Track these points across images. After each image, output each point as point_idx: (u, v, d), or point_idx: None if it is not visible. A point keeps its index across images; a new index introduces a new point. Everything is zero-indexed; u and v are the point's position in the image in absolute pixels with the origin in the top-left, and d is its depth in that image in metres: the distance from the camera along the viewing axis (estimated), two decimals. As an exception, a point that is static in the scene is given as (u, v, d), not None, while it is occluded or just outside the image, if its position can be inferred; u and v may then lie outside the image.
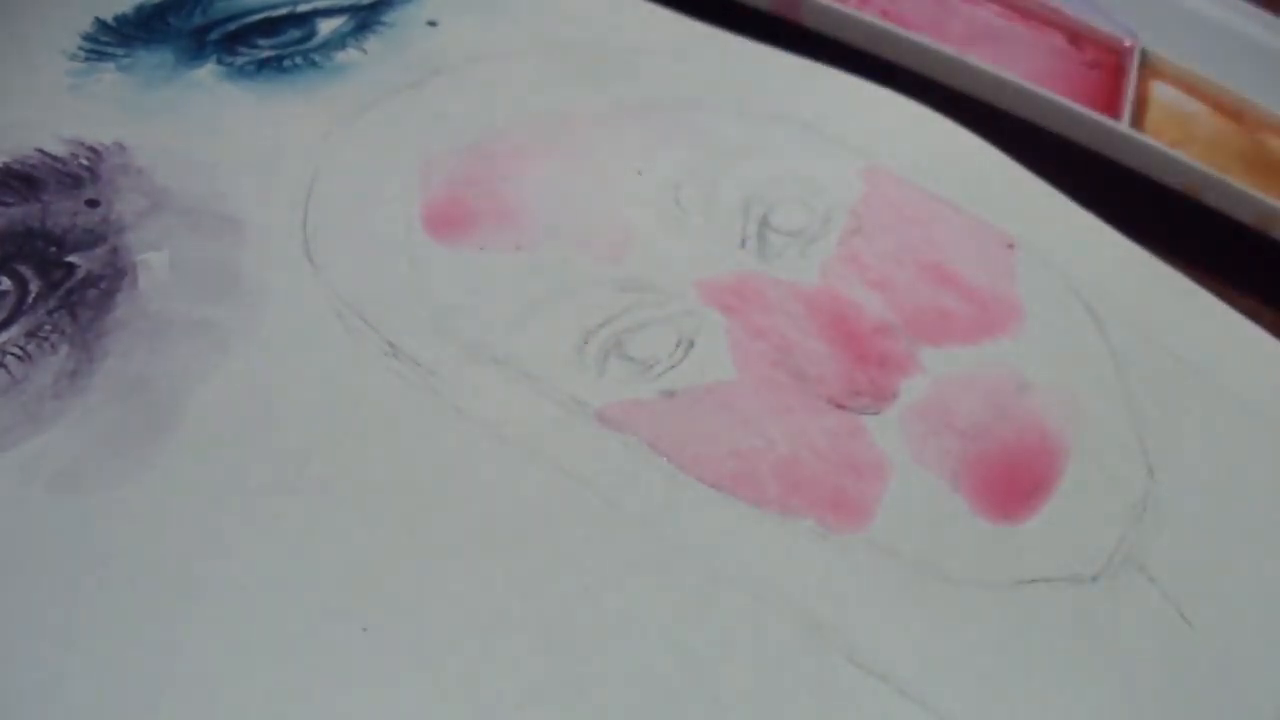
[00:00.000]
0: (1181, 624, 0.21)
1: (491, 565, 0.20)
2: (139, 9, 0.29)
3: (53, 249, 0.23)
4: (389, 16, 0.30)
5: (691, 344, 0.24)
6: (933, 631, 0.20)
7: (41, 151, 0.25)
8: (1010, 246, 0.27)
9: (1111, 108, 0.32)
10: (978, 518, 0.22)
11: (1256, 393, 0.25)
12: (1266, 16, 0.38)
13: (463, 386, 0.22)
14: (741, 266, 0.25)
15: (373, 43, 0.30)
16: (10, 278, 0.22)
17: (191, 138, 0.26)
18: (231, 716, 0.17)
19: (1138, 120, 0.32)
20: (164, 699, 0.17)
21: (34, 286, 0.22)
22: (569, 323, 0.24)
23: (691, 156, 0.27)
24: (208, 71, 0.28)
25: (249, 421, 0.21)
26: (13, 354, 0.21)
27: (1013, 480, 0.22)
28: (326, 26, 0.30)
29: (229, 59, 0.28)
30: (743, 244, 0.26)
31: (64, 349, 0.21)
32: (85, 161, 0.25)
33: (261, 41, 0.29)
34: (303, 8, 0.30)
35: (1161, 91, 0.34)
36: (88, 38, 0.28)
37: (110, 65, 0.28)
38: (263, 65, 0.28)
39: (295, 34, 0.29)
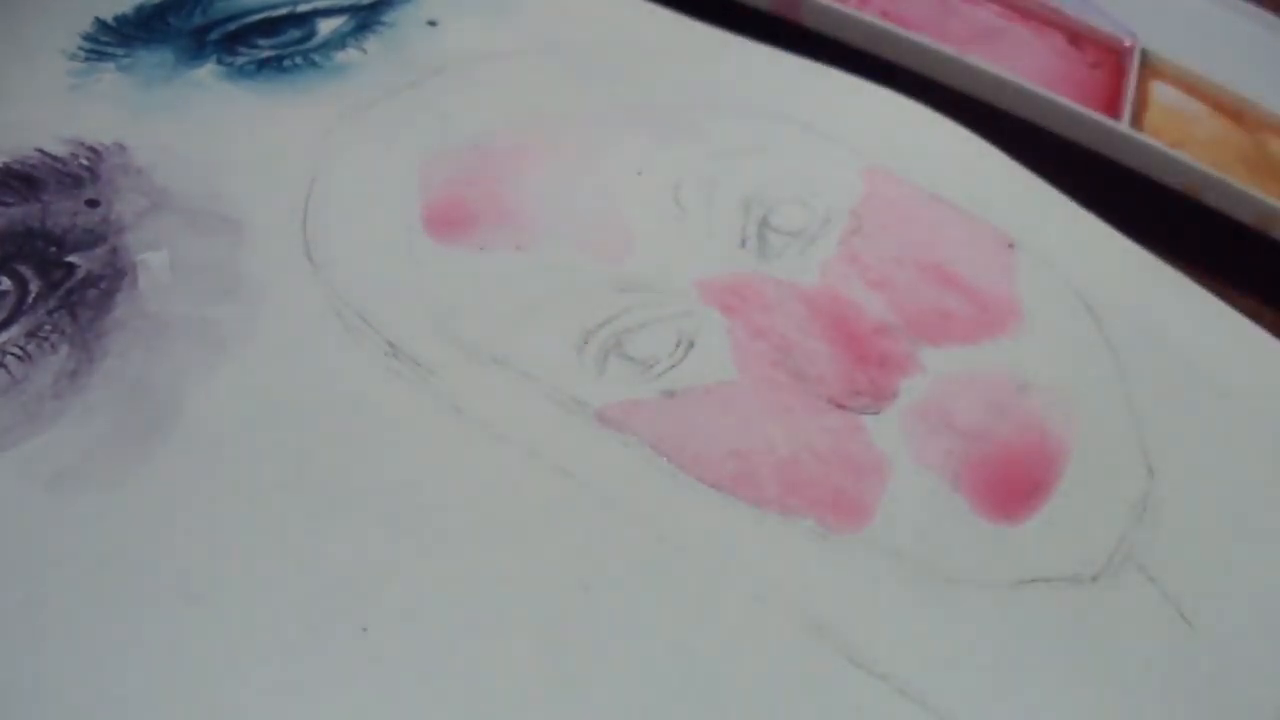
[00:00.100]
0: (1181, 624, 0.21)
1: (491, 565, 0.20)
2: (139, 9, 0.29)
3: (53, 249, 0.23)
4: (389, 16, 0.30)
5: (691, 344, 0.24)
6: (933, 631, 0.20)
7: (41, 151, 0.25)
8: (1010, 246, 0.27)
9: (1111, 108, 0.32)
10: (978, 518, 0.22)
11: (1257, 393, 0.25)
12: (1267, 16, 0.38)
13: (463, 386, 0.22)
14: (742, 266, 0.25)
15: (373, 43, 0.30)
16: (10, 278, 0.22)
17: (191, 138, 0.26)
18: (231, 716, 0.17)
19: (1138, 120, 0.32)
20: (164, 699, 0.17)
21: (34, 286, 0.22)
22: (569, 323, 0.24)
23: (691, 156, 0.27)
24: (208, 71, 0.28)
25: (249, 421, 0.21)
26: (13, 354, 0.21)
27: (1012, 480, 0.22)
28: (326, 26, 0.30)
29: (229, 59, 0.28)
30: (743, 244, 0.26)
31: (64, 349, 0.21)
32: (85, 161, 0.25)
33: (261, 41, 0.29)
34: (303, 8, 0.30)
35: (1161, 91, 0.34)
36: (88, 38, 0.28)
37: (110, 65, 0.28)
38: (263, 65, 0.28)
39: (295, 34, 0.29)
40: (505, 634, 0.19)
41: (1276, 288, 0.28)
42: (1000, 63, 0.32)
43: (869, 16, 0.33)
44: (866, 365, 0.24)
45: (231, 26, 0.29)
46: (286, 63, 0.29)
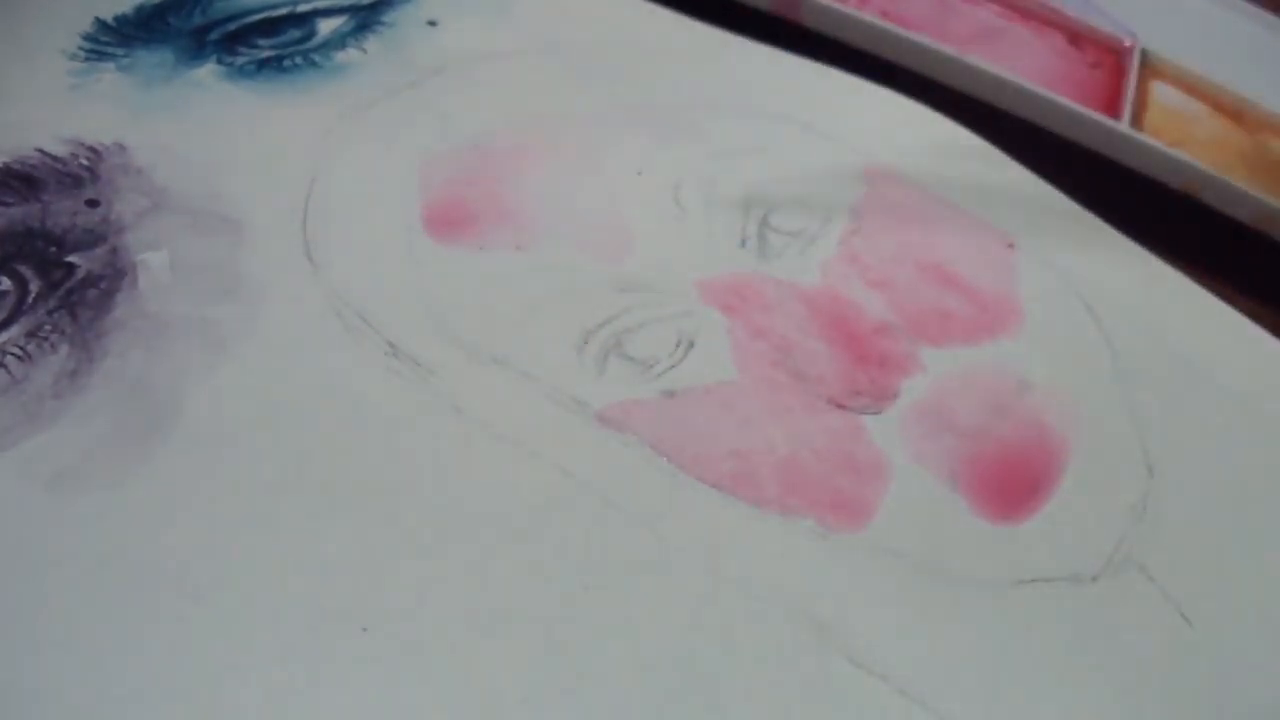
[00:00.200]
0: (1181, 623, 0.21)
1: (491, 565, 0.20)
2: (139, 9, 0.29)
3: (53, 249, 0.23)
4: (389, 16, 0.30)
5: (691, 344, 0.24)
6: (933, 631, 0.20)
7: (41, 151, 0.25)
8: (1010, 246, 0.27)
9: (1111, 108, 0.32)
10: (978, 517, 0.22)
11: (1257, 393, 0.25)
12: (1267, 16, 0.38)
13: (463, 386, 0.22)
14: (742, 266, 0.25)
15: (373, 43, 0.30)
16: (10, 278, 0.22)
17: (191, 138, 0.26)
18: (232, 716, 0.17)
19: (1138, 120, 0.32)
20: (164, 699, 0.17)
21: (34, 286, 0.22)
22: (569, 323, 0.24)
23: (691, 156, 0.27)
24: (208, 71, 0.28)
25: (249, 421, 0.21)
26: (13, 354, 0.21)
27: (1013, 480, 0.22)
28: (326, 26, 0.30)
29: (229, 59, 0.28)
30: (743, 244, 0.26)
31: (64, 349, 0.21)
32: (85, 161, 0.25)
33: (261, 41, 0.29)
34: (303, 8, 0.30)
35: (1161, 91, 0.34)
36: (88, 38, 0.28)
37: (110, 65, 0.28)
38: (263, 65, 0.28)
39: (295, 34, 0.29)
40: (505, 634, 0.19)
41: (1276, 288, 0.28)
42: (1000, 63, 0.32)
43: (869, 16, 0.33)
44: (867, 365, 0.24)
45: (231, 26, 0.29)
46: (286, 63, 0.29)
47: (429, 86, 0.29)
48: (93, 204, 0.24)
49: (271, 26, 0.29)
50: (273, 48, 0.29)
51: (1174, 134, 0.33)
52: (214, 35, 0.29)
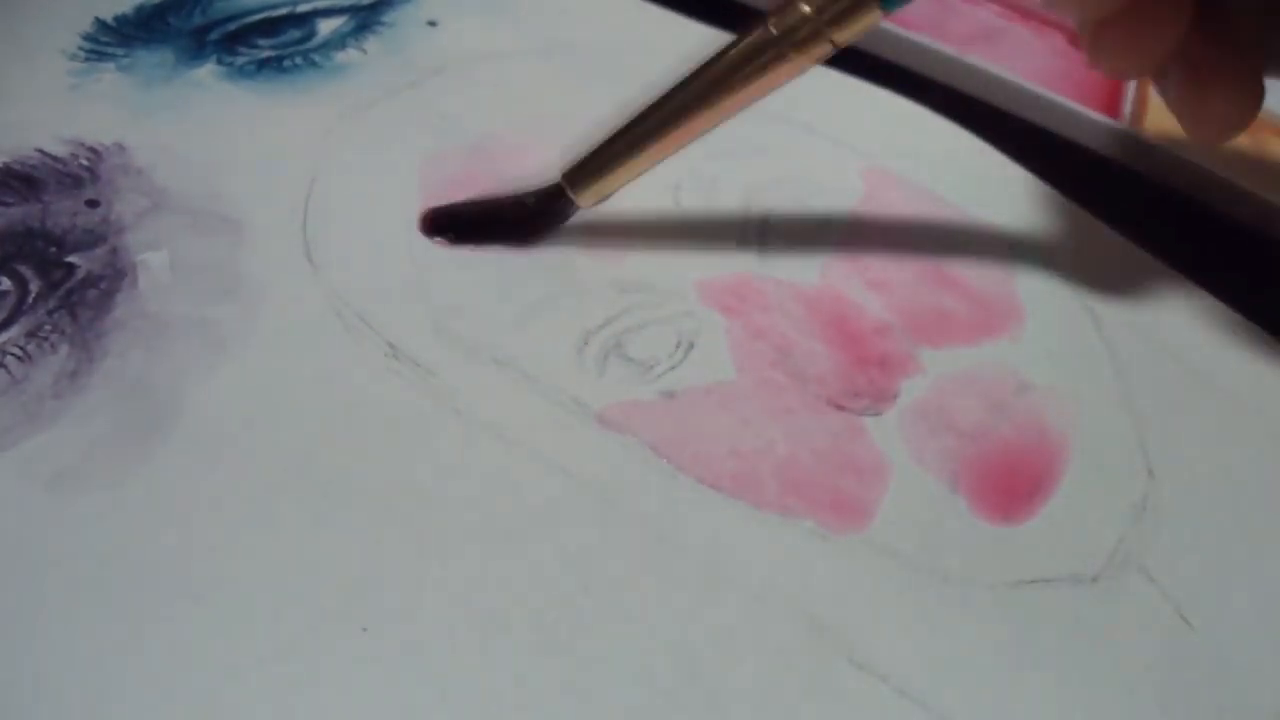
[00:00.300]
0: (1181, 624, 0.21)
1: (491, 565, 0.20)
2: (139, 9, 0.29)
3: (53, 249, 0.23)
4: (389, 16, 0.30)
5: (691, 345, 0.24)
6: (932, 632, 0.20)
7: (41, 151, 0.25)
8: (1010, 248, 0.27)
9: (1111, 108, 0.32)
10: (977, 518, 0.22)
11: (1256, 393, 0.25)
12: (1266, 16, 0.38)
13: (463, 387, 0.22)
14: (741, 267, 0.25)
15: (372, 43, 0.30)
16: (10, 278, 0.22)
17: (191, 138, 0.26)
18: (232, 716, 0.17)
19: (1138, 120, 0.32)
20: (164, 699, 0.17)
21: (34, 286, 0.22)
22: (569, 323, 0.24)
23: (691, 156, 0.27)
24: (208, 71, 0.28)
25: (249, 422, 0.21)
26: (13, 354, 0.21)
27: (1012, 481, 0.22)
28: (326, 26, 0.30)
29: (229, 59, 0.28)
30: (742, 245, 0.26)
31: (64, 349, 0.22)
32: (85, 162, 0.25)
33: (261, 41, 0.29)
34: (302, 8, 0.30)
35: (1162, 91, 0.34)
36: (88, 38, 0.28)
37: (110, 65, 0.28)
38: (263, 65, 0.28)
39: (295, 34, 0.29)
40: (505, 634, 0.19)
41: (1276, 288, 0.28)
42: (1000, 63, 0.32)
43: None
44: (866, 366, 0.24)
45: (231, 26, 0.29)
46: (286, 63, 0.29)
47: (429, 87, 0.29)
48: (93, 204, 0.24)
49: (271, 26, 0.30)
50: (273, 48, 0.29)
51: (1174, 134, 0.33)
52: (214, 35, 0.29)
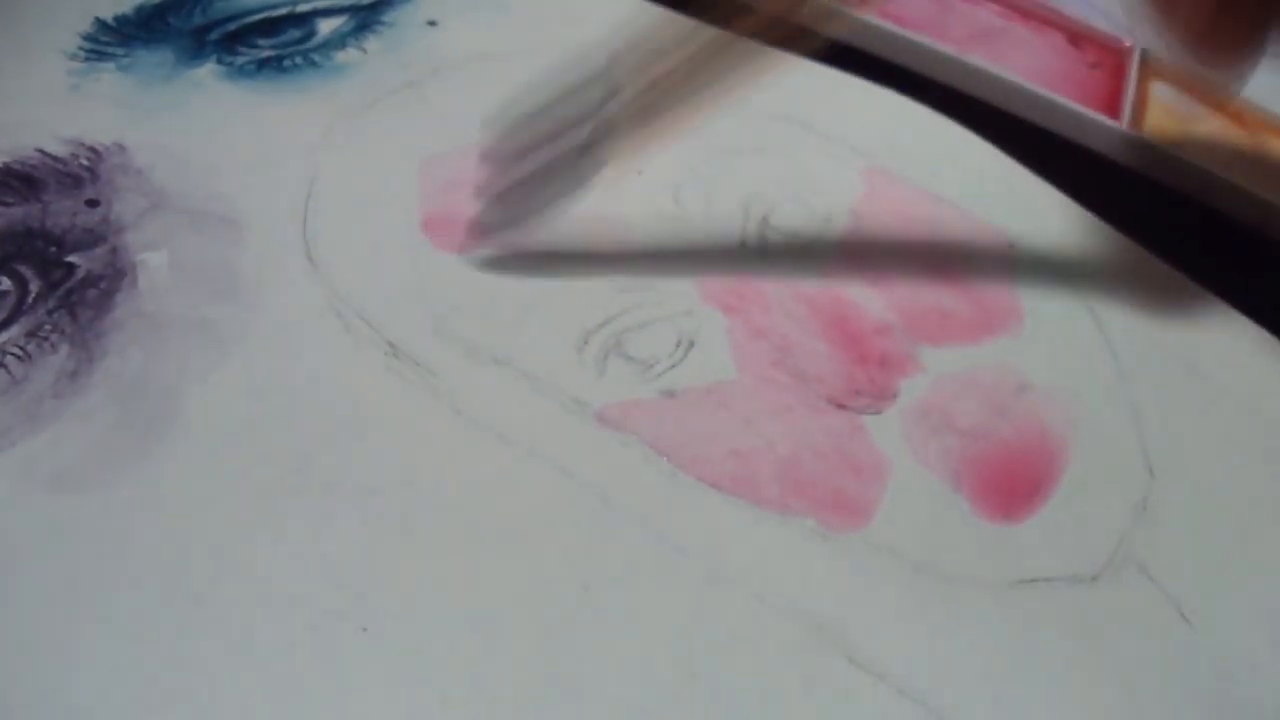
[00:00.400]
0: (1182, 624, 0.21)
1: (492, 565, 0.20)
2: (139, 9, 0.29)
3: (53, 249, 0.23)
4: (389, 16, 0.30)
5: (692, 344, 0.24)
6: (932, 631, 0.20)
7: (41, 151, 0.25)
8: (1010, 246, 0.27)
9: (1111, 108, 0.32)
10: (978, 517, 0.22)
11: (1256, 393, 0.25)
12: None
13: (463, 387, 0.22)
14: (742, 266, 0.25)
15: (372, 42, 0.30)
16: (10, 278, 0.22)
17: (191, 138, 0.26)
18: (232, 716, 0.17)
19: (1138, 120, 0.32)
20: (164, 699, 0.17)
21: (34, 286, 0.22)
22: (569, 323, 0.24)
23: (691, 156, 0.27)
24: (208, 71, 0.28)
25: (249, 422, 0.21)
26: (13, 354, 0.21)
27: (1013, 480, 0.22)
28: (326, 26, 0.30)
29: (229, 59, 0.28)
30: (743, 244, 0.26)
31: (64, 349, 0.22)
32: (85, 161, 0.25)
33: (261, 41, 0.29)
34: (302, 7, 0.30)
35: (1161, 91, 0.34)
36: (88, 38, 0.28)
37: (110, 65, 0.28)
38: (263, 65, 0.28)
39: (295, 34, 0.29)
40: (505, 634, 0.19)
41: (1277, 288, 0.28)
42: (1000, 63, 0.32)
43: (869, 16, 0.33)
44: (867, 365, 0.24)
45: (231, 26, 0.29)
46: (286, 63, 0.29)
47: (429, 87, 0.29)
48: (93, 204, 0.24)
49: (271, 26, 0.30)
50: (273, 48, 0.29)
51: (1174, 134, 0.33)
52: (214, 35, 0.29)
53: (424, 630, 0.19)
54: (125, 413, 0.21)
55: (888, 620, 0.20)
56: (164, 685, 0.18)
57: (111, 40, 0.28)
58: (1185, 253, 0.28)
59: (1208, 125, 0.34)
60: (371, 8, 0.31)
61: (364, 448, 0.21)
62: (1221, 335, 0.26)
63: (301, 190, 0.25)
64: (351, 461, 0.21)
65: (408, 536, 0.20)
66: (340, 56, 0.29)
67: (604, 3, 0.32)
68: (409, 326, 0.23)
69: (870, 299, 0.25)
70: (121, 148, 0.25)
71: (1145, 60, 0.35)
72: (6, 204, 0.24)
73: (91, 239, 0.23)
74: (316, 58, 0.29)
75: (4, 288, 0.22)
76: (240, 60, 0.28)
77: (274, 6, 0.30)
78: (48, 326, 0.22)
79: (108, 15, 0.29)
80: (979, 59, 0.32)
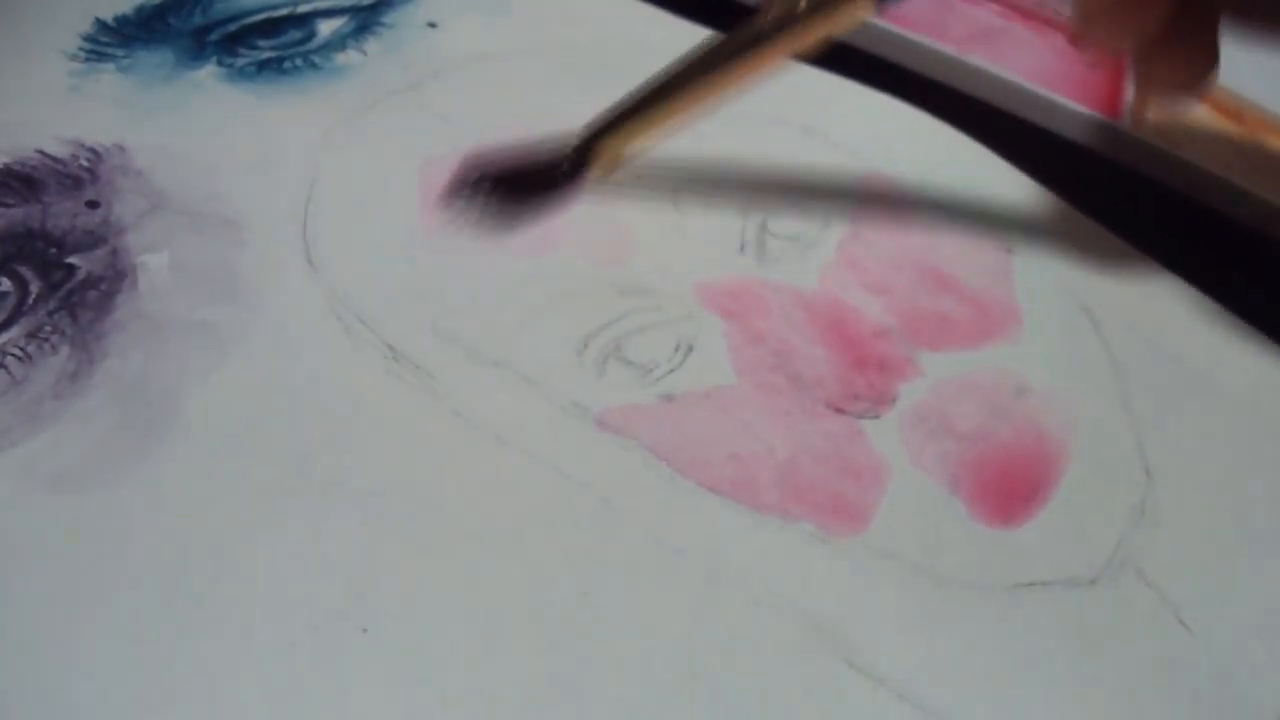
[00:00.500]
0: (1179, 628, 0.21)
1: (491, 567, 0.20)
2: (139, 9, 0.29)
3: (53, 250, 0.23)
4: (389, 18, 0.30)
5: (690, 348, 0.24)
6: (931, 635, 0.20)
7: (42, 152, 0.25)
8: (1008, 251, 0.27)
9: (1111, 108, 0.32)
10: (976, 521, 0.22)
11: (1255, 395, 0.25)
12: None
13: (462, 390, 0.22)
14: (740, 271, 0.25)
15: (372, 44, 0.30)
16: (10, 279, 0.22)
17: (191, 138, 0.26)
18: (232, 716, 0.18)
19: (1138, 120, 0.32)
20: (164, 699, 0.18)
21: (34, 288, 0.22)
22: (568, 327, 0.24)
23: (691, 161, 0.27)
24: (208, 72, 0.28)
25: (248, 422, 0.21)
26: (13, 355, 0.21)
27: (1011, 484, 0.22)
28: (326, 28, 0.30)
29: (229, 60, 0.28)
30: (742, 248, 0.26)
31: (64, 350, 0.22)
32: (85, 162, 0.25)
33: (261, 42, 0.29)
34: (303, 9, 0.30)
35: (1161, 92, 0.34)
36: (88, 38, 0.28)
37: (110, 65, 0.28)
38: (263, 66, 0.28)
39: (295, 35, 0.29)
40: (505, 636, 0.19)
41: (1276, 288, 0.28)
42: (1000, 63, 0.32)
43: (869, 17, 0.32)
44: (865, 369, 0.24)
45: (232, 27, 0.29)
46: (286, 64, 0.29)
47: (429, 88, 0.29)
48: (93, 205, 0.24)
49: (271, 28, 0.30)
50: (273, 49, 0.29)
51: (1174, 134, 0.33)
52: (214, 36, 0.29)
53: (424, 631, 0.19)
54: (125, 413, 0.21)
55: (887, 624, 0.20)
56: (164, 685, 0.18)
57: (111, 41, 0.28)
58: (1184, 254, 0.28)
59: (1207, 125, 0.34)
60: (372, 9, 0.31)
61: (363, 449, 0.21)
62: (1219, 337, 0.26)
63: (301, 192, 0.25)
64: (351, 462, 0.21)
65: (407, 537, 0.20)
66: (340, 58, 0.29)
67: (604, 3, 0.32)
68: (409, 328, 0.23)
69: (868, 303, 0.25)
70: (122, 149, 0.25)
71: (1145, 61, 0.35)
72: (7, 205, 0.24)
73: (92, 240, 0.24)
74: (317, 59, 0.29)
75: (4, 289, 0.22)
76: (240, 61, 0.28)
77: (274, 8, 0.30)
78: (48, 327, 0.22)
79: (108, 16, 0.29)
80: (979, 59, 0.32)
